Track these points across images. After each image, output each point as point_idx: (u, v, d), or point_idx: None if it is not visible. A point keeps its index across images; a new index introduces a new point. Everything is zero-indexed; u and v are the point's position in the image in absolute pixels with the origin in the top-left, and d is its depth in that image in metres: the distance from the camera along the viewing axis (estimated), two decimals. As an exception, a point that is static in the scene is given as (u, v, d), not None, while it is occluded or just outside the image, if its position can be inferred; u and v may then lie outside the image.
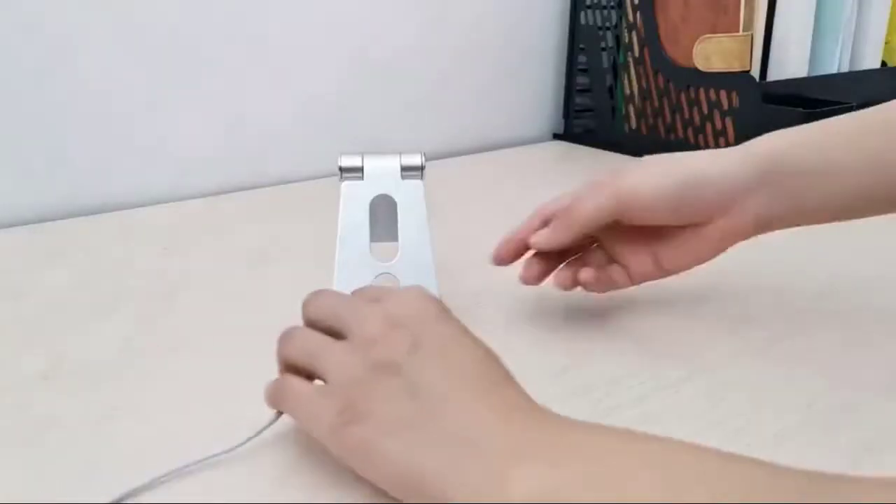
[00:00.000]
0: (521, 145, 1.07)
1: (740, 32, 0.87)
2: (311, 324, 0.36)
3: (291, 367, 0.35)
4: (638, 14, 0.96)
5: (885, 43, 1.01)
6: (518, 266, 0.50)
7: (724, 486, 0.25)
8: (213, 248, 0.65)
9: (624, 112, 1.02)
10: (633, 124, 1.01)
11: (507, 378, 0.32)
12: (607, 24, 1.02)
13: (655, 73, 0.96)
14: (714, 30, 0.88)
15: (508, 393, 0.31)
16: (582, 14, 1.05)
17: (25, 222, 0.72)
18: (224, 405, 0.40)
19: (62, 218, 0.73)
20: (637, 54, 0.98)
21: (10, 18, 0.69)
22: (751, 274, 0.59)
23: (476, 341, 0.34)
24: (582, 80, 1.08)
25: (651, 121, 0.98)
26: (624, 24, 0.99)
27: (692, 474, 0.26)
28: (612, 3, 1.01)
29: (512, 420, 0.30)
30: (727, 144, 0.89)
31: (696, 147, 0.92)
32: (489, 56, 1.03)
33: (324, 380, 0.33)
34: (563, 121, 1.11)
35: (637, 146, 0.99)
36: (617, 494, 0.26)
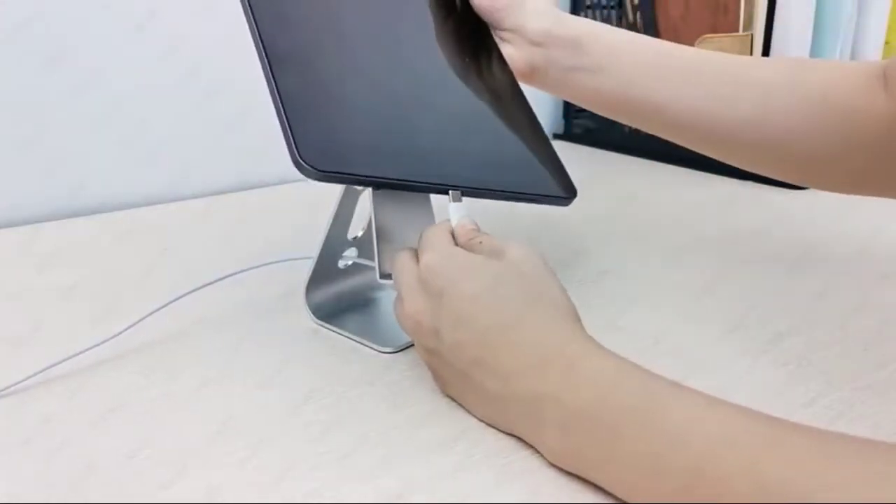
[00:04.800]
0: (521, 145, 1.07)
1: (740, 32, 0.87)
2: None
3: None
4: (638, 14, 0.96)
5: (885, 43, 1.01)
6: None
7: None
8: (214, 249, 0.65)
9: (624, 112, 1.01)
10: (633, 124, 1.01)
11: (513, 325, 0.37)
12: (607, 24, 1.02)
13: (655, 73, 0.96)
14: (714, 29, 0.88)
15: (514, 349, 0.37)
16: (582, 14, 1.05)
17: (25, 222, 0.72)
18: (232, 398, 0.40)
19: (62, 218, 0.73)
20: (637, 54, 0.98)
21: (9, 18, 0.69)
22: (751, 274, 0.59)
23: (497, 284, 0.39)
24: (582, 80, 1.08)
25: (651, 121, 0.98)
26: (624, 24, 0.99)
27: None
28: (612, 3, 1.01)
29: (525, 376, 0.36)
30: (727, 144, 0.89)
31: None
32: (489, 56, 1.03)
33: None
34: (563, 121, 1.11)
35: (637, 146, 0.99)
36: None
